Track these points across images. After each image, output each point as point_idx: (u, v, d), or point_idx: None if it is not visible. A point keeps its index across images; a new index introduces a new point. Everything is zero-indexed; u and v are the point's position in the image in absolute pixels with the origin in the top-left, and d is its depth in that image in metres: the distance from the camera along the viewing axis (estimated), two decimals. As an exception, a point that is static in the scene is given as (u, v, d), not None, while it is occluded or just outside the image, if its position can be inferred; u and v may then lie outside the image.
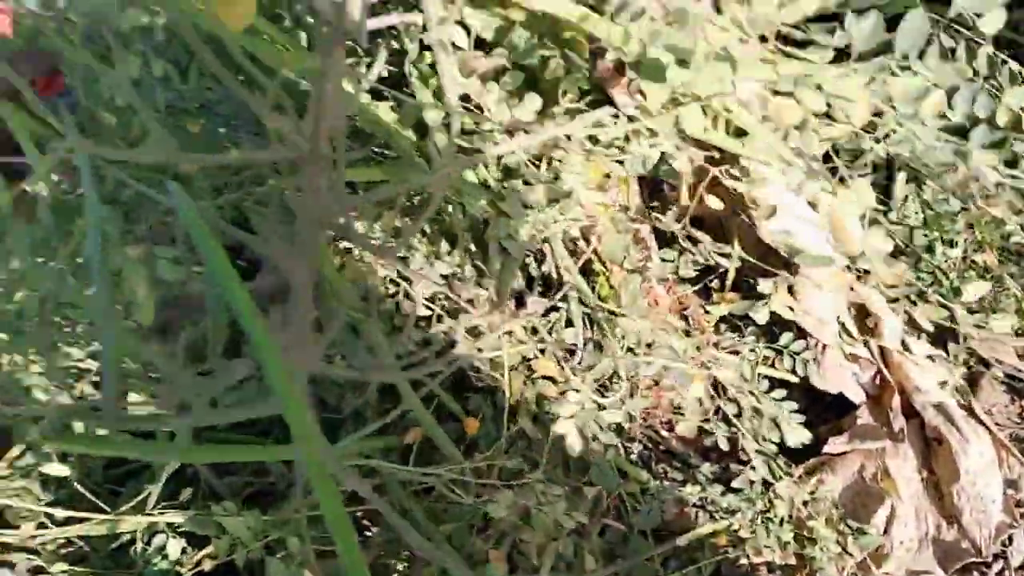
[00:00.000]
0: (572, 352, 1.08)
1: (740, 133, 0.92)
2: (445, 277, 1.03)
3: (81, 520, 0.98)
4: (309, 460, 0.54)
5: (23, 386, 0.89)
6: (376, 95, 0.99)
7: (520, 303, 1.05)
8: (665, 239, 1.05)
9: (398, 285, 1.06)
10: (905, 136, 0.80)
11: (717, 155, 0.95)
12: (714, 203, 0.97)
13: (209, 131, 1.00)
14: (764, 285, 1.06)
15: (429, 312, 1.07)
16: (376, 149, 1.05)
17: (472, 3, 0.88)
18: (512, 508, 0.95)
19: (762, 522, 1.07)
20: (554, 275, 1.03)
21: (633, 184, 1.01)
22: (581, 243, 1.03)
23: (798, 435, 1.09)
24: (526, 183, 0.93)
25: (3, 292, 0.89)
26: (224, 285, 0.60)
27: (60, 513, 0.98)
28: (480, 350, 1.05)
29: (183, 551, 1.00)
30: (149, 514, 0.99)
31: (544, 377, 1.07)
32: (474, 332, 1.05)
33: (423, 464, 1.00)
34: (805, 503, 1.07)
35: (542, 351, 1.05)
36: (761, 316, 1.07)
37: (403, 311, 1.08)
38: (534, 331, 1.07)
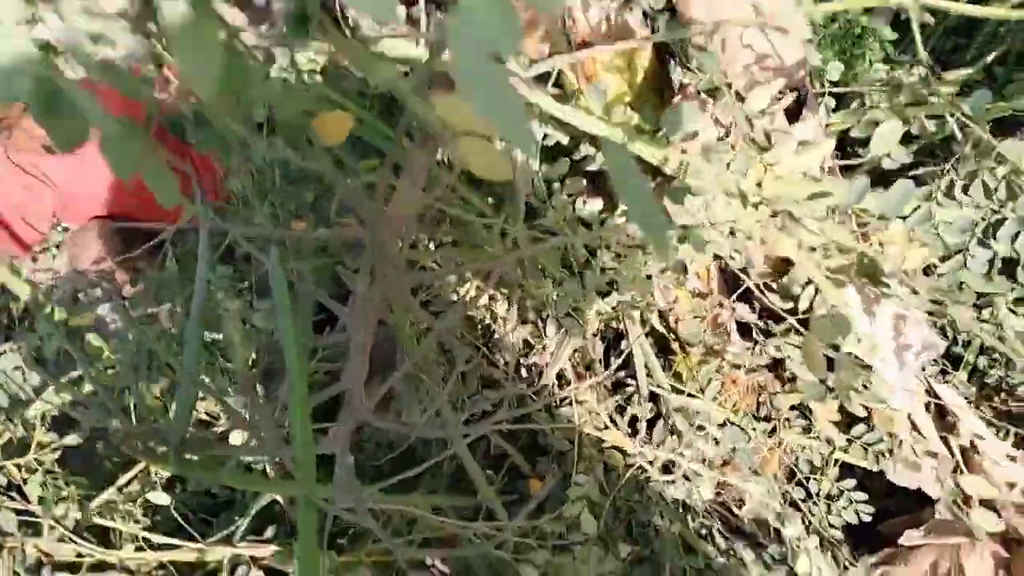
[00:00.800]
0: (646, 425, 1.10)
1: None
2: (528, 344, 1.08)
3: (175, 547, 1.06)
4: (303, 499, 0.62)
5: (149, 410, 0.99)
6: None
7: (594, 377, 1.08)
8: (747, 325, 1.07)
9: (478, 350, 1.11)
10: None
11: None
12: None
13: (321, 203, 1.09)
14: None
15: (506, 375, 1.12)
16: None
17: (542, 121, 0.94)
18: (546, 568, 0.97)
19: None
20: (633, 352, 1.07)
21: (713, 272, 1.03)
22: (659, 323, 1.06)
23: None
24: (604, 270, 0.97)
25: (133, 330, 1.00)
26: (285, 335, 0.68)
27: (157, 539, 1.06)
28: (552, 416, 1.09)
29: (262, 583, 1.07)
30: (235, 546, 1.06)
31: (614, 447, 1.10)
32: (549, 396, 1.10)
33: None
34: (873, 595, 1.06)
35: (614, 423, 1.08)
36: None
37: (482, 372, 1.13)
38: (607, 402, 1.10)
